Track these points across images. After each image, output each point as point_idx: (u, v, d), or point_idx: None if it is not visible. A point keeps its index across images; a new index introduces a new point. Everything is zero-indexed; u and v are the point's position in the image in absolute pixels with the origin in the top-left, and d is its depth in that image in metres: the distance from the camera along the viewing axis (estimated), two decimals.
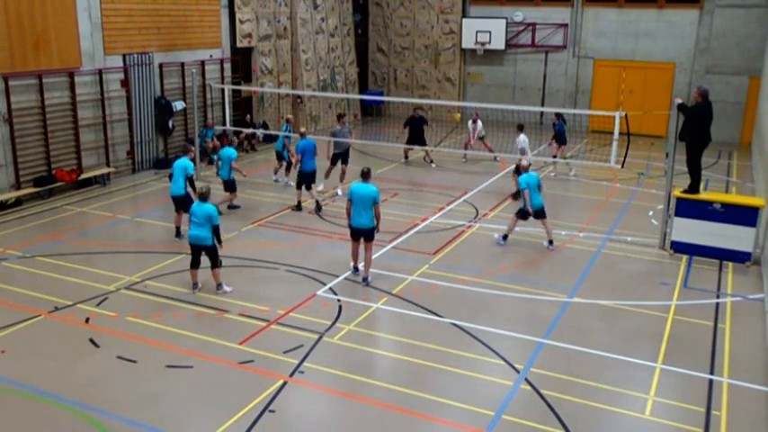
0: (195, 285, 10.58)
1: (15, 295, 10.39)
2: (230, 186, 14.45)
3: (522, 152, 15.97)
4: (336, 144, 16.02)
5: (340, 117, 16.51)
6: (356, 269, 11.29)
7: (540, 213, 12.72)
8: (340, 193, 15.94)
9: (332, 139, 16.10)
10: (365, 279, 10.98)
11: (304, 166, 14.57)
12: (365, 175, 10.93)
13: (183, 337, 9.21)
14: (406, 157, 19.85)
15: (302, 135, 15.17)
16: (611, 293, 10.88)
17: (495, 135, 20.35)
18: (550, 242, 12.75)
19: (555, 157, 18.09)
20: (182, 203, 12.68)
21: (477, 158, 19.97)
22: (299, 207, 14.81)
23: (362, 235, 10.89)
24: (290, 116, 17.75)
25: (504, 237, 12.95)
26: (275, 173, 17.38)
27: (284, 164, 17.02)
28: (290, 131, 17.06)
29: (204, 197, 10.40)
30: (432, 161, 19.48)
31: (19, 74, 14.87)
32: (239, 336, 9.22)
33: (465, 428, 7.36)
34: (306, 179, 14.71)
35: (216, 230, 10.38)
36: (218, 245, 10.44)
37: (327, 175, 16.38)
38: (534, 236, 13.35)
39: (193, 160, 13.61)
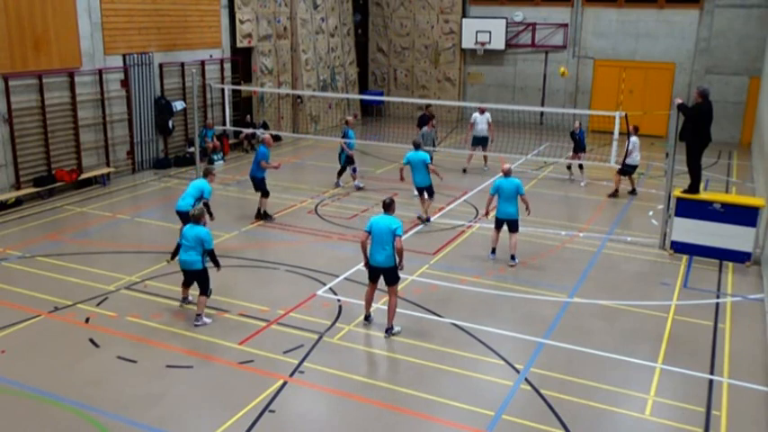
0: (185, 299, 10.08)
1: (15, 295, 10.39)
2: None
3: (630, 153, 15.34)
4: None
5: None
6: (368, 318, 9.73)
7: (502, 224, 11.92)
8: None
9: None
10: (389, 330, 9.35)
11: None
12: (387, 207, 9.40)
13: (183, 337, 9.21)
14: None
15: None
16: (611, 293, 10.88)
17: (496, 136, 20.29)
18: (512, 257, 11.97)
19: (572, 162, 17.62)
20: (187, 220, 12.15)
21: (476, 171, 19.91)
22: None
23: (381, 275, 9.31)
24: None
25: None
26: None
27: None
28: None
29: (197, 219, 9.59)
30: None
31: (19, 74, 14.87)
32: (239, 336, 9.22)
33: (465, 428, 7.36)
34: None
35: (211, 255, 9.55)
36: (216, 268, 9.70)
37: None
38: (534, 236, 13.35)
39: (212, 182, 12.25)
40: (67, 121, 16.11)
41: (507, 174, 11.93)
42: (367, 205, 15.31)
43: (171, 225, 13.29)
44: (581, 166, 17.30)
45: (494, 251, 12.20)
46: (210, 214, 11.66)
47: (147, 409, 7.58)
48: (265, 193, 14.31)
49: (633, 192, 16.40)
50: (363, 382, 8.21)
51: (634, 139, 15.64)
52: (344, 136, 16.54)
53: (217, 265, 9.70)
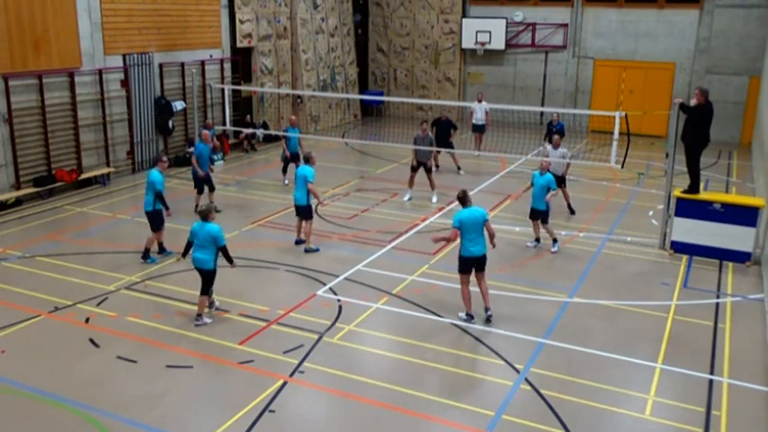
0: (212, 304, 9.91)
1: (15, 295, 10.39)
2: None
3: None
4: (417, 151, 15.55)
5: (423, 122, 15.88)
6: (471, 317, 9.76)
7: (533, 214, 12.71)
8: (435, 200, 15.69)
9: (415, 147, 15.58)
10: (487, 311, 9.76)
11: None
12: (463, 200, 9.68)
13: (183, 337, 9.22)
14: (436, 165, 18.08)
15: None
16: (611, 293, 10.88)
17: (495, 135, 20.33)
18: (554, 240, 12.74)
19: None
20: (150, 221, 11.77)
21: (476, 170, 19.93)
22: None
23: (476, 264, 9.66)
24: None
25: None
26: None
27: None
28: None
29: (204, 216, 9.45)
30: (459, 168, 18.39)
31: (19, 74, 14.87)
32: (239, 336, 9.22)
33: (465, 428, 7.36)
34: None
35: (224, 252, 9.48)
36: (230, 265, 9.67)
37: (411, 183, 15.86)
38: (533, 236, 13.33)
39: (164, 170, 12.03)
40: (67, 121, 16.11)
41: (543, 169, 12.54)
42: (367, 205, 15.31)
43: (171, 225, 13.25)
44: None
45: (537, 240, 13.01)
46: (165, 207, 11.66)
47: (147, 409, 7.58)
48: (206, 190, 14.55)
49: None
50: (363, 382, 8.21)
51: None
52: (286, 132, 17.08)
53: (230, 261, 9.62)
